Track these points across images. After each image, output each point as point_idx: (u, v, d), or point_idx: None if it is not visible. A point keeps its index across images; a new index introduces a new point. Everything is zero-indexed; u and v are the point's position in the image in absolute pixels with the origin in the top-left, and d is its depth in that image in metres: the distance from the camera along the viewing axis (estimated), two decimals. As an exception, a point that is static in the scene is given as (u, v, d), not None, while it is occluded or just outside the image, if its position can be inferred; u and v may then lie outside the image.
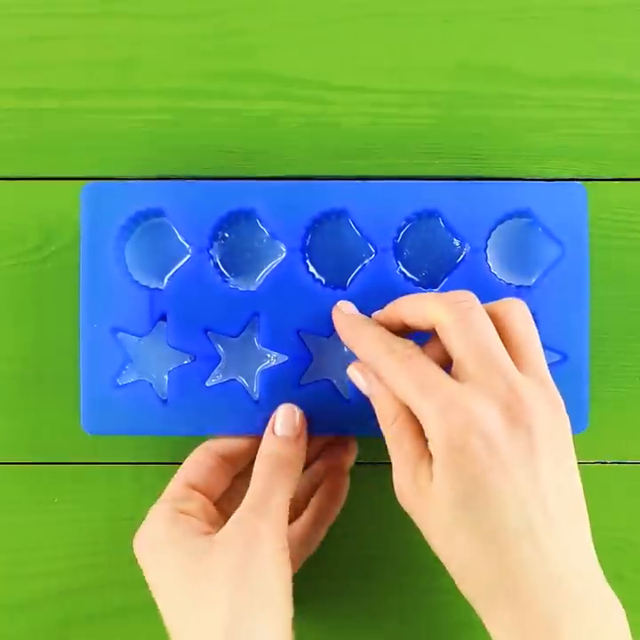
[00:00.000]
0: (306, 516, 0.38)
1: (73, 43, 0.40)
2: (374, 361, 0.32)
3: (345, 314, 0.35)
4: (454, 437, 0.28)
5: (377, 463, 0.40)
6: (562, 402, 0.30)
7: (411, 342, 0.32)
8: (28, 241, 0.40)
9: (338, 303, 0.35)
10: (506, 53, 0.40)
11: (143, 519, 0.41)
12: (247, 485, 0.34)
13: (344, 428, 0.36)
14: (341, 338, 0.34)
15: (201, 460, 0.36)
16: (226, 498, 0.36)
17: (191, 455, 0.36)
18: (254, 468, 0.34)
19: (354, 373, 0.33)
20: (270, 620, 0.31)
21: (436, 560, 0.41)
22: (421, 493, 0.30)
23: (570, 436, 0.30)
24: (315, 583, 0.40)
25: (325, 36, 0.40)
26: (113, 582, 0.40)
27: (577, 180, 0.40)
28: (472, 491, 0.28)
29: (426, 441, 0.30)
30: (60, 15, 0.40)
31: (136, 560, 0.37)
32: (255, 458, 0.35)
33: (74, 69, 0.40)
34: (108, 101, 0.40)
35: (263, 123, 0.40)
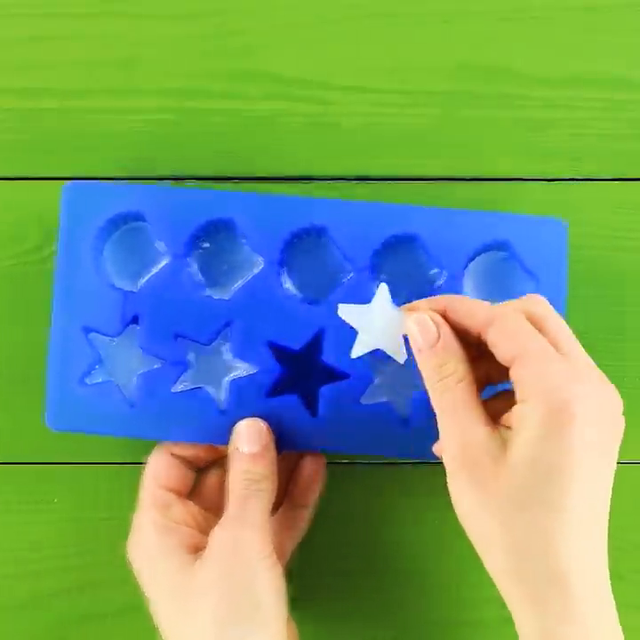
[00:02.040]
0: (285, 501, 0.38)
1: (73, 43, 0.40)
2: (489, 311, 0.31)
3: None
4: (556, 400, 0.28)
5: (375, 463, 0.40)
6: None
7: None
8: (28, 241, 0.40)
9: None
10: (506, 53, 0.40)
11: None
12: (215, 477, 0.36)
13: (310, 444, 0.36)
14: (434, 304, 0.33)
15: (165, 462, 0.36)
16: (196, 492, 0.37)
17: (153, 457, 0.36)
18: (228, 485, 0.34)
19: (422, 320, 0.32)
20: (259, 626, 0.31)
21: (436, 557, 0.41)
22: (494, 463, 0.29)
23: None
24: (313, 582, 0.40)
25: (325, 36, 0.40)
26: (111, 582, 0.40)
27: (577, 180, 0.40)
28: (556, 462, 0.28)
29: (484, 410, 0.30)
30: (59, 15, 0.40)
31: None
32: (216, 455, 0.37)
33: (74, 69, 0.40)
34: (108, 101, 0.40)
35: (263, 123, 0.40)
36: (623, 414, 0.30)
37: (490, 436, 0.30)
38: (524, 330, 0.31)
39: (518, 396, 0.30)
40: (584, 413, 0.28)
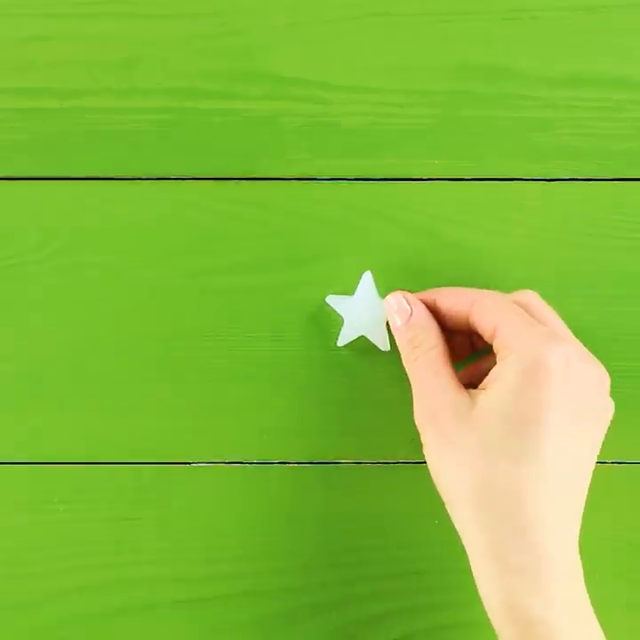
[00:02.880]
0: None
1: (73, 43, 0.40)
2: (473, 293, 0.33)
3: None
4: (533, 355, 0.29)
5: (384, 463, 0.40)
6: None
7: None
8: (27, 241, 0.40)
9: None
10: (506, 53, 0.40)
11: (142, 519, 0.41)
12: None
13: None
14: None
15: None
16: None
17: None
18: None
19: (397, 299, 0.34)
20: None
21: (437, 558, 0.41)
22: (461, 419, 0.30)
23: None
24: (315, 584, 0.40)
25: (325, 36, 0.40)
26: (113, 582, 0.40)
27: (577, 179, 0.40)
28: (530, 414, 0.28)
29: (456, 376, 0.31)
30: (59, 15, 0.40)
31: (136, 560, 0.37)
32: None
33: (74, 69, 0.40)
34: (108, 101, 0.40)
35: (263, 123, 0.40)
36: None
37: (459, 396, 0.30)
38: (504, 303, 0.32)
39: (497, 358, 0.30)
40: (563, 372, 0.29)
